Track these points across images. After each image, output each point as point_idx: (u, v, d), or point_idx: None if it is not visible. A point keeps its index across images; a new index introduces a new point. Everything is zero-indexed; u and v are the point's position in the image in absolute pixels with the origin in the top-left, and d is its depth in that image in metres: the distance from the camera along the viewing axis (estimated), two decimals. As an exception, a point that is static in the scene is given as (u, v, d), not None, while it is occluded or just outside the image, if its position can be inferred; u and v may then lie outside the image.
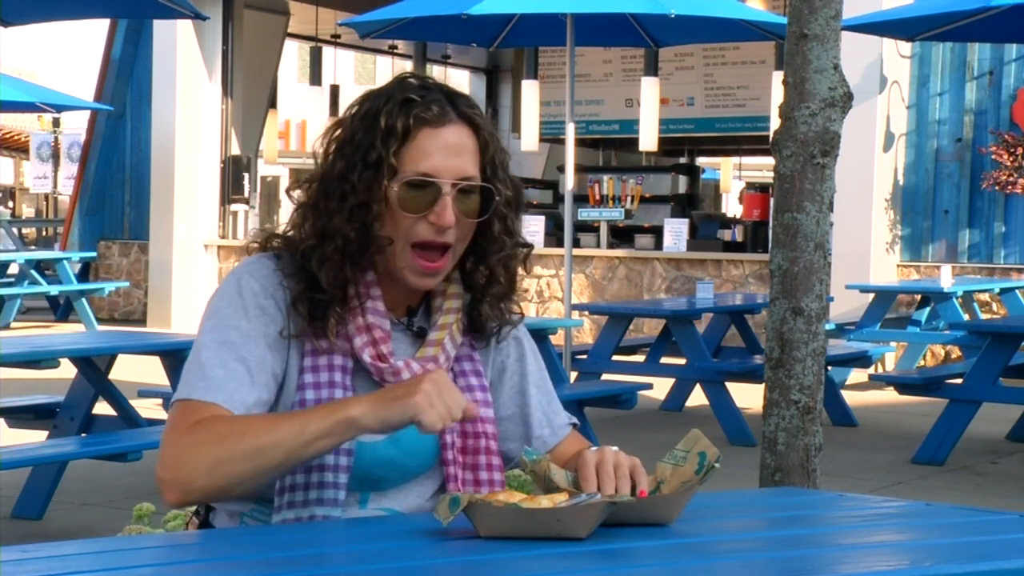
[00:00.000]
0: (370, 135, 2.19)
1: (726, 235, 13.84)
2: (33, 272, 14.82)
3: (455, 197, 2.18)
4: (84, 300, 14.40)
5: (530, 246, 2.35)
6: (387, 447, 2.21)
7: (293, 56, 25.79)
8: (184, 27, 14.64)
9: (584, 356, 9.09)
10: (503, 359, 2.37)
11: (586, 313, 11.98)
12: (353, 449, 2.17)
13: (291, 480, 2.17)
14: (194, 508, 2.28)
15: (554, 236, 13.66)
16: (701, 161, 20.66)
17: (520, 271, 2.33)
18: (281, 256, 2.24)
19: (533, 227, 13.71)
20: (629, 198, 14.12)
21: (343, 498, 2.17)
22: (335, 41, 18.48)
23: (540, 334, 7.51)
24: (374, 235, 2.18)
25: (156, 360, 6.38)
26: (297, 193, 2.26)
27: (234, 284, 2.20)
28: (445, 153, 2.19)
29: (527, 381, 2.37)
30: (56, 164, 19.79)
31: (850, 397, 9.36)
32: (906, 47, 12.00)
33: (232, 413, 2.11)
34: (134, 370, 7.58)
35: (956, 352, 11.44)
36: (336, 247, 2.18)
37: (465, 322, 2.31)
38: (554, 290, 13.46)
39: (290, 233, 2.25)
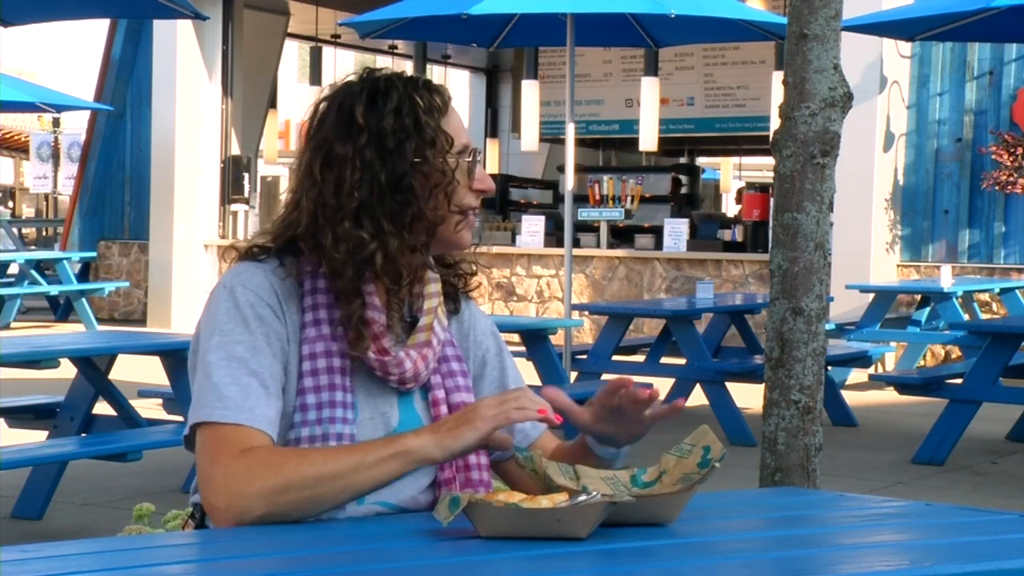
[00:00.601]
0: (412, 117, 2.22)
1: (726, 235, 13.84)
2: (33, 272, 14.82)
3: None
4: (84, 300, 14.40)
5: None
6: None
7: (293, 56, 25.78)
8: (184, 27, 14.64)
9: (584, 356, 9.09)
10: (483, 353, 2.40)
11: (586, 313, 11.98)
12: None
13: None
14: (189, 511, 2.28)
15: (554, 236, 13.66)
16: (701, 161, 20.66)
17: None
18: (275, 269, 2.22)
19: (533, 227, 13.72)
20: (629, 198, 14.13)
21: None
22: (335, 41, 18.48)
23: (540, 334, 7.52)
24: (450, 210, 2.24)
25: (156, 360, 6.37)
26: (349, 203, 2.21)
27: (228, 297, 2.18)
28: (464, 125, 2.30)
29: (507, 376, 2.41)
30: (56, 164, 19.79)
31: (850, 397, 9.36)
32: (906, 47, 12.00)
33: (261, 432, 2.11)
34: (134, 370, 7.58)
35: (956, 352, 11.44)
36: (425, 229, 2.22)
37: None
38: (554, 290, 13.46)
39: (327, 244, 2.20)
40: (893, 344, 10.76)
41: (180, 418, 6.34)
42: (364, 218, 2.19)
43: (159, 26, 14.87)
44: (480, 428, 2.08)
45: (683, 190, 15.95)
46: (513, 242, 13.80)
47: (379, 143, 2.20)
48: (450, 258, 2.38)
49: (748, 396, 8.65)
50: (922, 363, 11.23)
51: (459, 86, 21.22)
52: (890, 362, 11.50)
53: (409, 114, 2.22)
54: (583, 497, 1.91)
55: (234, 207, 15.33)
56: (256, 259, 2.25)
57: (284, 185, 24.59)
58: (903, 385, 8.18)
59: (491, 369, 2.40)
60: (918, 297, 11.02)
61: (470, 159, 2.26)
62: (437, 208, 2.22)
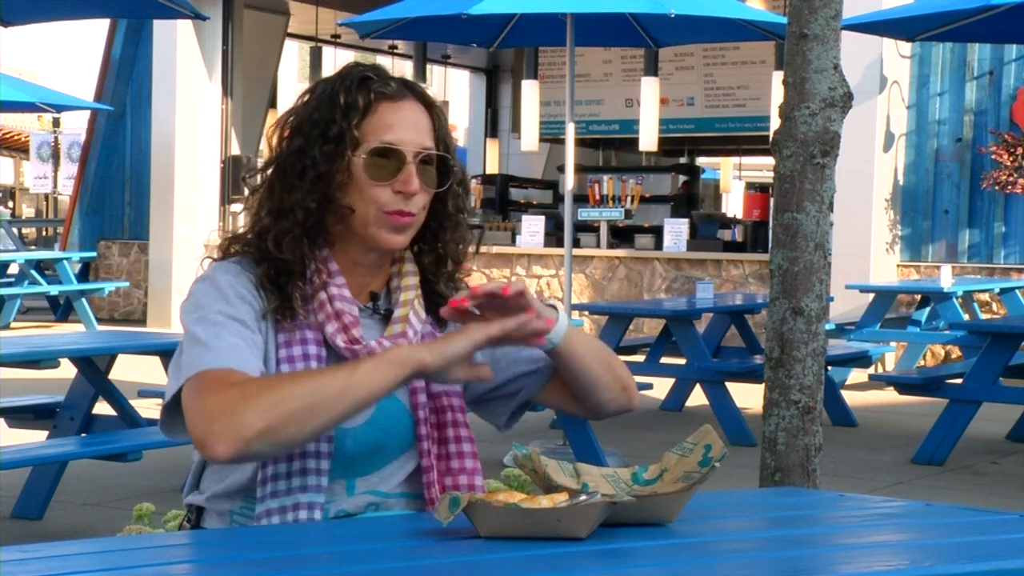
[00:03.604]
0: (329, 111, 2.26)
1: (726, 235, 13.84)
2: (33, 272, 14.81)
3: (417, 167, 2.26)
4: (84, 300, 14.39)
5: (480, 227, 2.43)
6: (366, 430, 2.24)
7: (293, 56, 25.78)
8: (184, 27, 14.64)
9: (584, 356, 9.07)
10: None
11: (586, 313, 11.98)
12: (333, 435, 2.20)
13: (273, 469, 2.19)
14: (184, 513, 2.30)
15: (554, 236, 13.66)
16: (701, 161, 20.66)
17: (471, 249, 2.41)
18: (242, 259, 2.28)
19: (533, 227, 13.72)
20: (629, 198, 14.12)
21: (326, 484, 2.20)
22: (335, 41, 18.48)
23: (540, 334, 7.50)
24: (336, 204, 2.24)
25: (156, 360, 6.37)
26: (253, 181, 2.32)
27: (209, 282, 2.24)
28: (405, 125, 2.27)
29: (496, 352, 2.38)
30: (56, 164, 19.78)
31: (850, 397, 9.36)
32: (906, 47, 12.00)
33: (251, 376, 2.13)
34: (134, 370, 7.58)
35: (956, 352, 11.44)
36: (296, 221, 2.23)
37: (424, 304, 2.36)
38: (554, 290, 13.46)
39: (242, 229, 2.31)
40: (893, 344, 10.76)
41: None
42: (267, 197, 2.27)
43: (159, 26, 14.86)
44: (474, 336, 2.11)
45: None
46: (513, 242, 13.79)
47: (296, 131, 2.27)
48: (445, 271, 2.37)
49: (748, 396, 8.65)
50: (922, 363, 11.23)
51: (459, 86, 21.22)
52: (890, 362, 11.49)
53: (326, 108, 2.26)
54: (583, 497, 1.91)
55: (234, 207, 15.32)
56: (231, 256, 2.31)
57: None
58: (903, 385, 8.18)
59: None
60: (918, 297, 11.02)
61: (381, 157, 2.24)
62: (315, 198, 2.24)
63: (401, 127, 2.26)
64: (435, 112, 2.32)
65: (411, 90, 2.31)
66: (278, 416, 2.04)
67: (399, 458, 2.28)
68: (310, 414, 2.05)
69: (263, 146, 2.51)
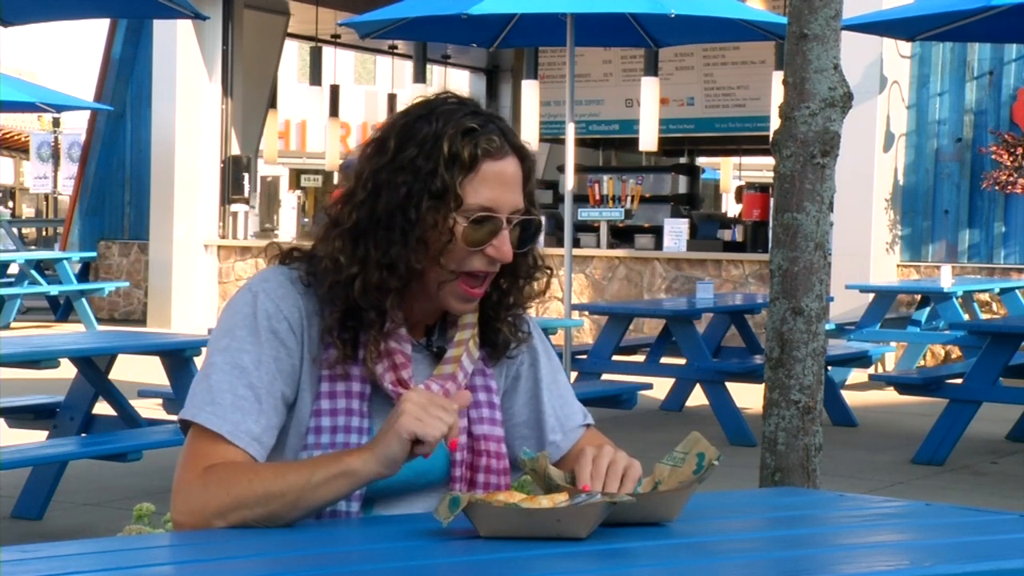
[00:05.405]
0: (432, 160, 2.15)
1: (726, 235, 13.85)
2: (33, 272, 14.82)
3: (509, 230, 2.19)
4: (84, 300, 14.40)
5: (550, 268, 2.34)
6: (403, 468, 2.19)
7: (293, 56, 25.78)
8: (184, 27, 14.64)
9: (584, 356, 9.09)
10: (517, 367, 2.36)
11: (586, 313, 11.98)
12: None
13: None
14: None
15: (554, 236, 13.65)
16: (701, 161, 20.66)
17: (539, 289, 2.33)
18: (302, 277, 2.19)
19: (533, 227, 13.70)
20: (629, 198, 14.12)
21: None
22: (335, 41, 18.48)
23: (540, 334, 7.50)
24: (440, 267, 2.16)
25: (156, 360, 6.37)
26: (334, 209, 2.20)
27: (250, 303, 2.16)
28: (503, 186, 2.19)
29: (540, 387, 2.36)
30: (56, 164, 19.79)
31: (850, 397, 9.36)
32: (906, 47, 12.00)
33: (237, 447, 2.11)
34: (134, 370, 7.58)
35: (956, 352, 11.44)
36: (399, 275, 2.15)
37: (479, 341, 2.29)
38: (554, 290, 13.46)
39: (321, 253, 2.19)
40: (893, 344, 10.76)
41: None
42: (356, 239, 2.16)
43: (159, 26, 14.87)
44: (403, 437, 2.01)
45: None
46: (513, 242, 13.78)
47: (396, 173, 2.16)
48: (510, 311, 2.30)
49: (748, 396, 8.65)
50: (922, 363, 11.23)
51: (459, 86, 21.20)
52: (890, 362, 11.49)
53: (429, 155, 2.15)
54: (583, 497, 1.91)
55: (234, 207, 15.33)
56: (291, 265, 2.22)
57: (284, 185, 24.59)
58: (903, 385, 8.18)
59: (524, 381, 2.36)
60: (918, 297, 11.02)
61: (478, 223, 2.15)
62: (420, 258, 2.15)
63: (499, 187, 2.18)
64: (527, 164, 2.24)
65: (511, 144, 2.21)
66: (236, 521, 2.04)
67: (425, 489, 2.24)
68: (267, 520, 2.04)
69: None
